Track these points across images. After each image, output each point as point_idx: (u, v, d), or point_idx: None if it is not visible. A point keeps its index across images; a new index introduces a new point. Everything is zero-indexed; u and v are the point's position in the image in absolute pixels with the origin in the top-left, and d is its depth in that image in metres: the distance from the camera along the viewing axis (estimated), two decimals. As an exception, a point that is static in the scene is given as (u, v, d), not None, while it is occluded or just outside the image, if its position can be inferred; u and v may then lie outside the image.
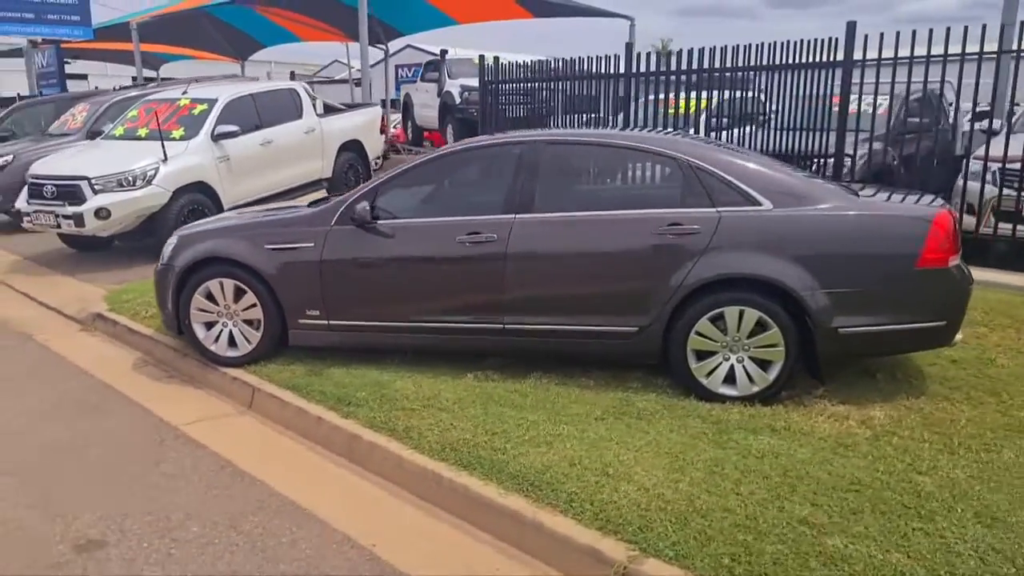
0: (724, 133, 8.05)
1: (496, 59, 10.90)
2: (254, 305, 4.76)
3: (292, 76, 23.16)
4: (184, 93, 9.50)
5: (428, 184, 4.79)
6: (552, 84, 10.00)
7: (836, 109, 7.51)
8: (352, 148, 11.17)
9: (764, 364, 4.18)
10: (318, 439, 4.03)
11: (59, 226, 7.86)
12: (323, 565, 3.00)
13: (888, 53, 7.07)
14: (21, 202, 8.22)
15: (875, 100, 7.54)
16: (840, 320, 4.07)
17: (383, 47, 22.17)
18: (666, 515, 2.99)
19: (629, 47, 9.18)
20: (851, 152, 7.68)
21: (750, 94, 8.30)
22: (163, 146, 8.08)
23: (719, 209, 4.22)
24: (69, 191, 7.80)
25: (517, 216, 4.42)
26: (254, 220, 5.17)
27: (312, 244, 4.64)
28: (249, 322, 4.81)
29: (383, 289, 4.61)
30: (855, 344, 4.16)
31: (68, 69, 23.95)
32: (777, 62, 7.67)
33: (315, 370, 4.66)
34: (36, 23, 22.04)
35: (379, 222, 4.59)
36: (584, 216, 4.46)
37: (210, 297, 4.83)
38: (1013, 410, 4.06)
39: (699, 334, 4.19)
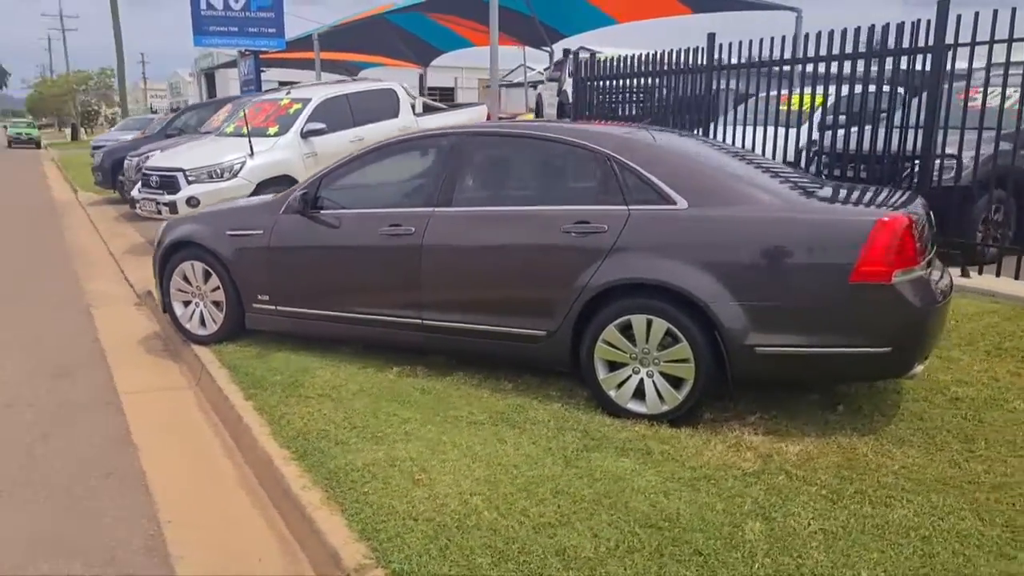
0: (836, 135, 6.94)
1: (592, 55, 10.62)
2: (218, 288, 5.03)
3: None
4: (287, 94, 10.24)
5: (370, 175, 4.80)
6: (644, 80, 9.54)
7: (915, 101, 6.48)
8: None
9: (676, 382, 3.74)
10: (223, 417, 4.19)
11: (159, 212, 8.76)
12: (103, 535, 3.10)
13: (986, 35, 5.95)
14: (135, 191, 9.31)
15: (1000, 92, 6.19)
16: (757, 338, 3.54)
17: (548, 49, 22.42)
18: (428, 526, 2.77)
19: (711, 37, 8.51)
20: (952, 152, 6.55)
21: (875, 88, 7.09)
22: (250, 142, 8.76)
23: (630, 207, 3.84)
24: (169, 181, 8.69)
25: (436, 209, 4.31)
26: (226, 207, 5.47)
27: (262, 231, 4.82)
28: (216, 303, 5.10)
29: (320, 278, 4.69)
30: (776, 367, 3.61)
31: (267, 77, 26.52)
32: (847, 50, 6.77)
33: (263, 353, 4.84)
34: (239, 35, 24.66)
35: (322, 212, 4.68)
36: (495, 211, 4.25)
37: (185, 278, 5.18)
38: (973, 461, 3.32)
39: (607, 343, 3.84)
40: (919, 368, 3.62)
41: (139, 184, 9.28)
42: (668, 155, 4.00)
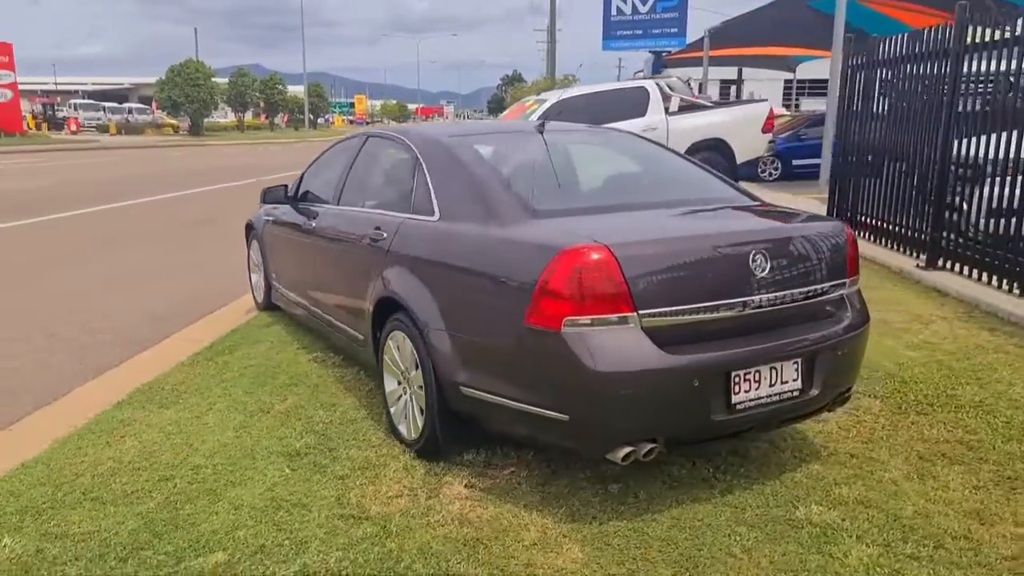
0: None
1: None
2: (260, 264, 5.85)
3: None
4: (538, 94, 10.70)
5: (325, 171, 5.03)
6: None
7: None
8: (712, 147, 10.56)
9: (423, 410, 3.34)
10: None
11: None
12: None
13: None
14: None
15: None
16: (462, 375, 2.98)
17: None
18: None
19: (963, 7, 6.31)
20: None
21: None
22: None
23: (408, 215, 3.51)
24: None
25: (326, 206, 4.44)
26: None
27: (271, 217, 5.46)
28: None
29: (285, 262, 5.18)
30: (486, 414, 2.97)
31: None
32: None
33: (271, 325, 5.51)
34: (643, 38, 25.80)
35: (299, 203, 5.12)
36: (343, 211, 4.20)
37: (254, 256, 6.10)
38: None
39: (387, 356, 3.58)
40: (627, 450, 2.61)
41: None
42: (471, 162, 3.43)
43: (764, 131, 10.98)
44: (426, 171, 3.48)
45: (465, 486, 3.03)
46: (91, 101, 64.25)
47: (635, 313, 2.56)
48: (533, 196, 3.11)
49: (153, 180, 17.98)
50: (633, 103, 10.33)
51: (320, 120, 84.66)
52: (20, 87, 48.80)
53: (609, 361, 2.53)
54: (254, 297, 6.12)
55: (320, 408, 3.80)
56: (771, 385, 2.81)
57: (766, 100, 11.93)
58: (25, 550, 2.54)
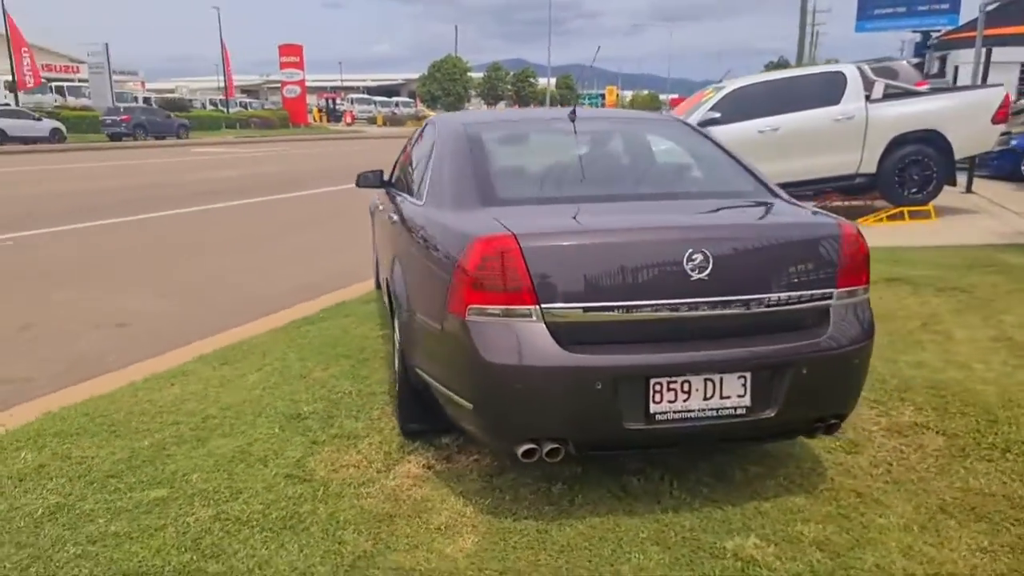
0: None
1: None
2: (378, 243, 6.28)
3: None
4: (719, 81, 10.16)
5: (412, 159, 5.21)
6: None
7: None
8: (922, 139, 9.32)
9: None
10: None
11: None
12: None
13: None
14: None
15: None
16: (415, 355, 3.09)
17: None
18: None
19: None
20: None
21: None
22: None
23: (411, 199, 3.67)
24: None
25: (394, 190, 4.67)
26: None
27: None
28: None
29: (377, 242, 5.50)
30: (430, 394, 3.02)
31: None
32: None
33: (371, 302, 5.93)
34: (906, 16, 23.48)
35: (390, 188, 5.41)
36: (397, 195, 4.39)
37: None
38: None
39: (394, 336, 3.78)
40: (527, 447, 2.53)
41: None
42: (461, 149, 3.35)
43: (995, 121, 9.39)
44: (433, 157, 3.57)
45: (423, 466, 3.11)
46: (365, 96, 71.51)
47: (537, 306, 2.47)
48: (502, 184, 3.08)
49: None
50: (826, 90, 9.41)
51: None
52: (311, 84, 55.67)
53: (504, 353, 2.47)
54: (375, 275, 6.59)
55: (351, 379, 4.05)
56: (706, 398, 2.54)
57: (1000, 85, 10.19)
58: (32, 464, 3.07)
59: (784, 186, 9.27)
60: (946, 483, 2.94)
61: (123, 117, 33.72)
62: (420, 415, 3.23)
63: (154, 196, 13.31)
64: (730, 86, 9.64)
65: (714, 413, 2.55)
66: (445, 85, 63.45)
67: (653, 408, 2.51)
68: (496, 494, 2.88)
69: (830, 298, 2.66)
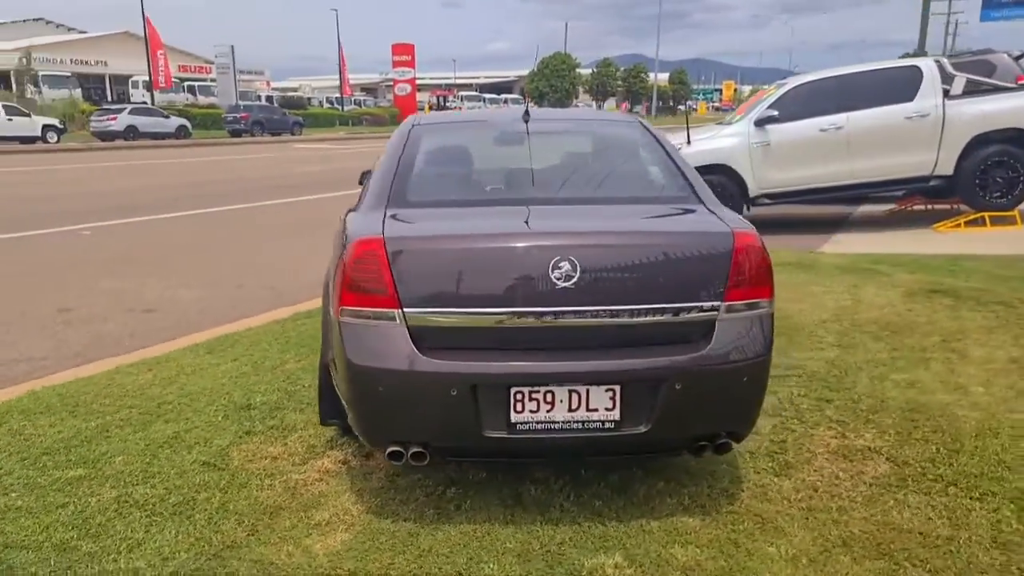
0: None
1: None
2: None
3: None
4: (785, 77, 9.70)
5: None
6: None
7: None
8: (1010, 139, 8.58)
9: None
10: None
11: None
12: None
13: None
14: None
15: None
16: (326, 353, 3.16)
17: None
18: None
19: None
20: None
21: None
22: (687, 130, 9.04)
23: None
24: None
25: None
26: None
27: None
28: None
29: None
30: None
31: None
32: None
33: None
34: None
35: None
36: None
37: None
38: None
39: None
40: (393, 449, 2.54)
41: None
42: (396, 150, 3.33)
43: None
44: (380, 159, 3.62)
45: (338, 462, 3.18)
46: (474, 93, 72.65)
47: (400, 310, 2.47)
48: (417, 186, 3.09)
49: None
50: (899, 86, 8.79)
51: (681, 107, 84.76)
52: (427, 81, 57.07)
53: (367, 355, 2.49)
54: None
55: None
56: (571, 410, 2.47)
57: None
58: (-8, 439, 3.35)
59: (848, 188, 8.78)
60: (865, 515, 2.73)
61: (242, 115, 35.78)
62: (340, 410, 3.29)
63: (234, 191, 14.07)
64: (792, 82, 9.19)
65: (580, 426, 2.47)
66: (553, 82, 63.49)
67: (515, 417, 2.46)
68: (390, 494, 2.90)
69: (715, 311, 2.52)
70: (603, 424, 2.48)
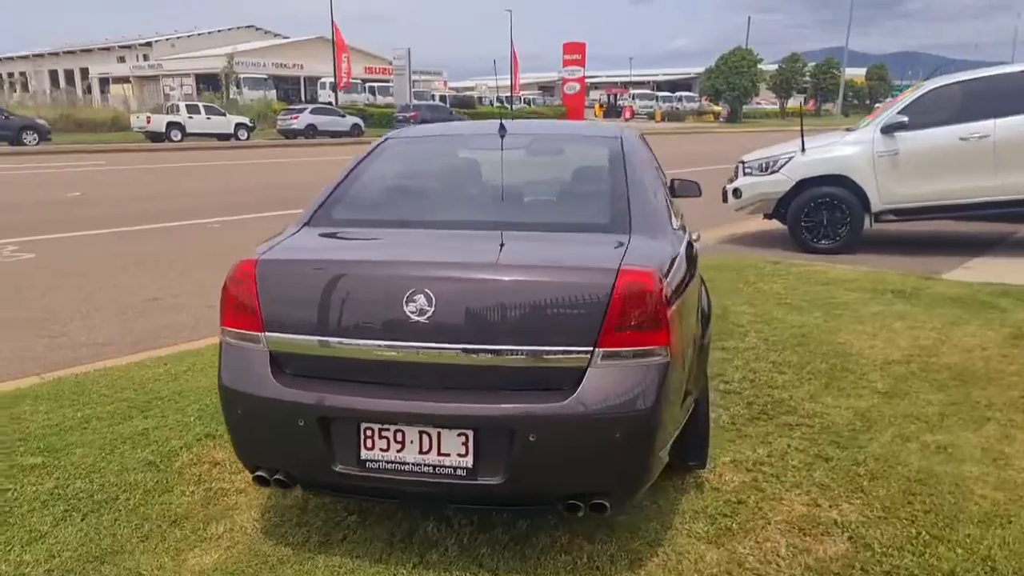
0: None
1: None
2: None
3: None
4: (926, 79, 8.64)
5: None
6: None
7: None
8: None
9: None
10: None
11: (724, 199, 9.20)
12: None
13: None
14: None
15: None
16: None
17: None
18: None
19: None
20: None
21: None
22: (802, 136, 8.32)
23: None
24: (738, 170, 9.09)
25: None
26: None
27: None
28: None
29: None
30: None
31: None
32: None
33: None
34: None
35: None
36: None
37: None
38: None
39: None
40: (258, 474, 2.51)
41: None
42: (355, 164, 3.34)
43: None
44: None
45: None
46: (647, 91, 71.39)
47: (263, 333, 2.43)
48: (348, 204, 3.03)
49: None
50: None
51: (878, 103, 78.55)
52: (602, 80, 56.83)
53: (231, 376, 2.48)
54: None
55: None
56: (422, 452, 2.31)
57: None
58: (-9, 419, 3.69)
59: (992, 206, 7.64)
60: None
61: (411, 114, 37.44)
62: None
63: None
64: (927, 85, 8.16)
65: (431, 470, 2.31)
66: (731, 79, 60.93)
67: (364, 454, 2.35)
68: (292, 514, 2.87)
69: (586, 358, 2.25)
70: (455, 471, 2.29)
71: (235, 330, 2.49)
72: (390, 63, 57.39)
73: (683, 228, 3.60)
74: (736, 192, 8.77)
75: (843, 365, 4.47)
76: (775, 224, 8.98)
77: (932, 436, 3.48)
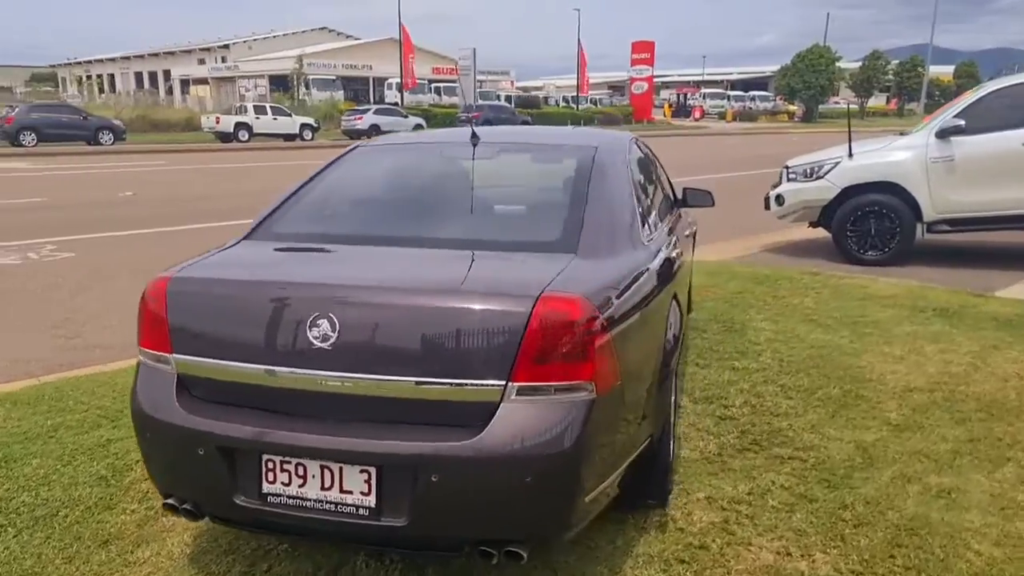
0: None
1: None
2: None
3: None
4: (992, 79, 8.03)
5: None
6: None
7: None
8: None
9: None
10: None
11: (767, 206, 8.77)
12: None
13: None
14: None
15: None
16: None
17: None
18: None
19: None
20: None
21: None
22: (849, 140, 7.85)
23: None
24: (782, 175, 8.64)
25: None
26: None
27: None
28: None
29: None
30: None
31: None
32: None
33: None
34: None
35: None
36: None
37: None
38: None
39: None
40: (167, 501, 2.40)
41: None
42: (325, 174, 3.28)
43: None
44: None
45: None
46: (718, 90, 69.80)
47: (172, 354, 2.32)
48: (294, 217, 2.91)
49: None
50: None
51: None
52: (673, 79, 55.88)
53: (140, 399, 2.38)
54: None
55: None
56: (324, 488, 2.16)
57: None
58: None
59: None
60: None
61: (474, 114, 37.50)
62: None
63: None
64: (988, 86, 7.57)
65: (332, 507, 2.15)
66: (807, 78, 58.90)
67: (266, 487, 2.20)
68: (223, 542, 2.75)
69: (498, 393, 2.05)
70: (357, 510, 2.13)
71: (148, 351, 2.39)
72: (456, 63, 57.86)
73: (674, 244, 3.35)
74: (779, 199, 8.34)
75: (858, 392, 4.12)
76: (822, 233, 8.51)
77: (937, 478, 3.14)
